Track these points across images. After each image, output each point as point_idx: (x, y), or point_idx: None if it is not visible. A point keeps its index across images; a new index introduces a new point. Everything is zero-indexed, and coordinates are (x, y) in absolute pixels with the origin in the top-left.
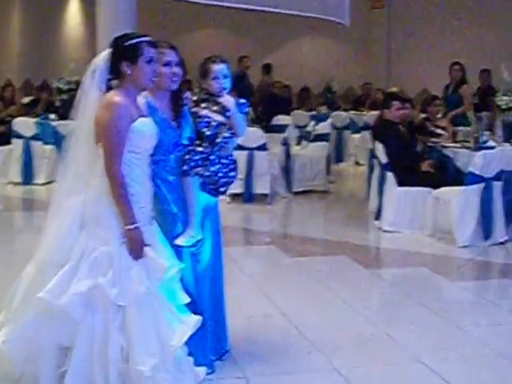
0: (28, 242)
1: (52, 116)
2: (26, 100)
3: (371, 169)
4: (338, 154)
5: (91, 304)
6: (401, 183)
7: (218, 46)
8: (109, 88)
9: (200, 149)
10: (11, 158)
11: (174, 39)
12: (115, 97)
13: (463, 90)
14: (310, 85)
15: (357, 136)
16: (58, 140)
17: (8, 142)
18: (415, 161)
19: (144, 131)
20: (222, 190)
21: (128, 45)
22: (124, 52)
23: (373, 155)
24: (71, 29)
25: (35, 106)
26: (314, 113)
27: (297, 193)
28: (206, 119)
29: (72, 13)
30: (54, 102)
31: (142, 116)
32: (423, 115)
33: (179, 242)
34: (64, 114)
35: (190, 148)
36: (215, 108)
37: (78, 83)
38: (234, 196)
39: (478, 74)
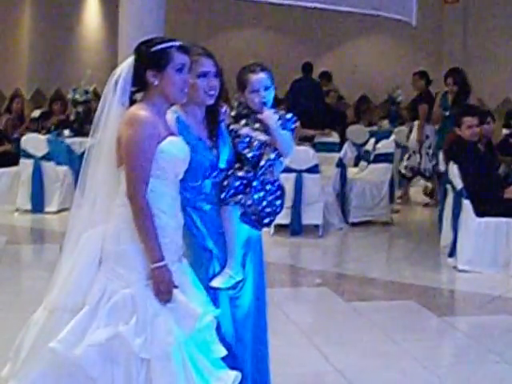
0: (37, 280)
1: (66, 132)
2: (37, 113)
3: (444, 195)
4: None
5: (111, 356)
6: (480, 213)
7: (260, 48)
8: (133, 102)
9: (240, 173)
10: (19, 181)
11: (208, 41)
12: (140, 111)
13: None
14: (368, 94)
15: None
16: (72, 160)
17: (16, 163)
18: (497, 186)
19: (174, 153)
20: (266, 221)
21: (154, 51)
22: (149, 59)
23: (446, 179)
24: (89, 30)
25: (46, 120)
26: (374, 128)
27: (354, 224)
28: (247, 138)
29: (90, 12)
30: (69, 116)
31: (172, 134)
32: (506, 131)
33: (216, 283)
34: (79, 130)
35: (229, 172)
36: (257, 125)
37: (96, 93)
38: (279, 227)
39: None
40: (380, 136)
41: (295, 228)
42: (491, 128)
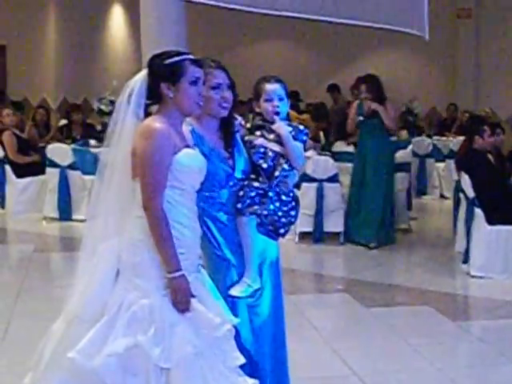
0: (65, 288)
1: (92, 142)
2: (62, 123)
3: (457, 204)
4: (420, 186)
5: (129, 366)
6: (491, 221)
7: (279, 61)
8: (147, 114)
9: (256, 184)
10: (46, 189)
11: (227, 54)
12: (155, 123)
13: None
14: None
15: (441, 165)
16: None
17: (42, 172)
18: (508, 195)
19: (189, 164)
20: (281, 231)
21: (168, 63)
22: (163, 72)
23: (458, 188)
24: (115, 42)
25: (70, 130)
26: (393, 138)
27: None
28: (262, 149)
29: (116, 24)
30: (95, 126)
31: (188, 146)
32: None
33: (234, 292)
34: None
35: (245, 183)
36: (272, 136)
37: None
38: (303, 235)
39: None
40: (398, 146)
41: (317, 235)
42: (501, 139)
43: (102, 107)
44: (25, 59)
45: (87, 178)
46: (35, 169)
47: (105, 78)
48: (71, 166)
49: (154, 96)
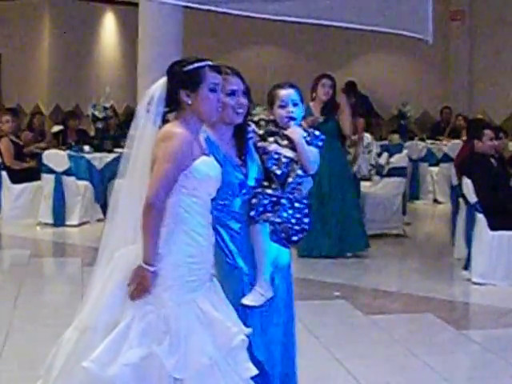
0: (60, 293)
1: (86, 148)
2: (55, 129)
3: (456, 209)
4: (413, 191)
5: (144, 376)
6: (493, 226)
7: (271, 65)
8: (165, 122)
9: (269, 191)
10: (41, 195)
11: (217, 59)
12: (176, 128)
13: None
14: (378, 109)
15: (435, 169)
16: (92, 175)
17: (38, 178)
18: (510, 200)
19: (207, 172)
20: (294, 239)
21: (187, 70)
22: (183, 79)
23: (458, 193)
24: (107, 48)
25: (65, 136)
26: (385, 142)
27: (368, 236)
28: (276, 155)
29: (109, 31)
30: (88, 132)
31: (205, 154)
32: None
33: (247, 301)
34: (99, 146)
35: (258, 190)
36: (285, 142)
37: (114, 110)
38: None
39: None
40: (392, 150)
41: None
42: (503, 143)
43: (96, 113)
44: (19, 66)
45: (81, 183)
46: (31, 175)
47: (97, 84)
48: (66, 172)
49: (172, 103)
